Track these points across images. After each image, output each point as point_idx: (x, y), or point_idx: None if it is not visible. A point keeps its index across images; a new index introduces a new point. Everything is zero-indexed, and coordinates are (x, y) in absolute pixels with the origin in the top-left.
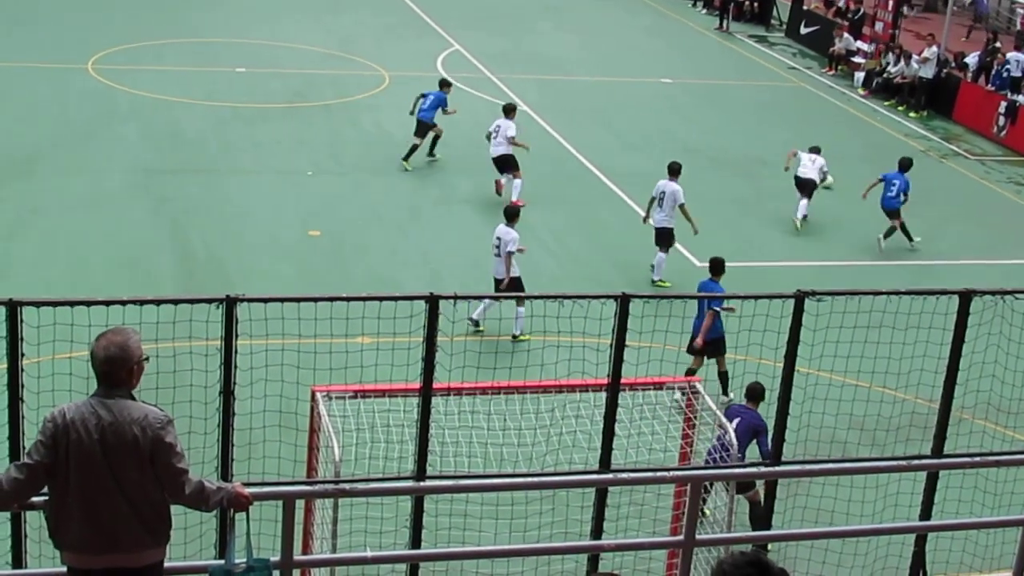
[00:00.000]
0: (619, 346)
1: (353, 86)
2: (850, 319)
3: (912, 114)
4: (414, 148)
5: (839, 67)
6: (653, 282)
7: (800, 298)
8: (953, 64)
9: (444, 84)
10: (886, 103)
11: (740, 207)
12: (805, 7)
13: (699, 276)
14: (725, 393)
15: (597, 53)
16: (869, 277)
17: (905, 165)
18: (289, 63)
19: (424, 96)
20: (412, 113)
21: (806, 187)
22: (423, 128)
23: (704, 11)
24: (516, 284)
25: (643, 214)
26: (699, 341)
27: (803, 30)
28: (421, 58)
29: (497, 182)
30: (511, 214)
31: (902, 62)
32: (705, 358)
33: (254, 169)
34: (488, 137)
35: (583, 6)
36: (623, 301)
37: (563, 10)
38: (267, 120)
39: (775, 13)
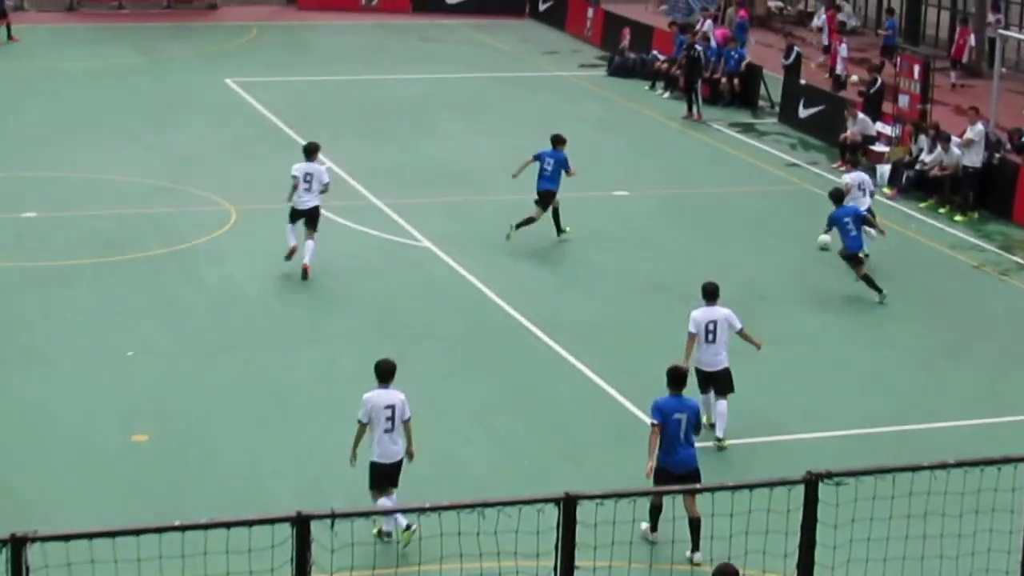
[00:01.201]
0: (566, 569)
1: (188, 228)
2: (883, 507)
3: (958, 217)
4: (530, 220)
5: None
6: (719, 443)
7: (812, 482)
8: (1008, 145)
9: (558, 141)
10: (922, 204)
11: (733, 365)
12: (803, 80)
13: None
14: (696, 548)
15: (522, 161)
16: (903, 446)
17: (839, 196)
18: (98, 201)
19: (539, 158)
20: (515, 176)
21: (866, 217)
22: (546, 199)
23: (667, 94)
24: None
25: (682, 360)
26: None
27: (803, 112)
28: (280, 183)
29: (292, 248)
30: (386, 372)
31: (939, 147)
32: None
33: (52, 352)
34: (293, 189)
35: (504, 98)
36: (567, 504)
37: (477, 106)
38: (69, 282)
39: (763, 91)
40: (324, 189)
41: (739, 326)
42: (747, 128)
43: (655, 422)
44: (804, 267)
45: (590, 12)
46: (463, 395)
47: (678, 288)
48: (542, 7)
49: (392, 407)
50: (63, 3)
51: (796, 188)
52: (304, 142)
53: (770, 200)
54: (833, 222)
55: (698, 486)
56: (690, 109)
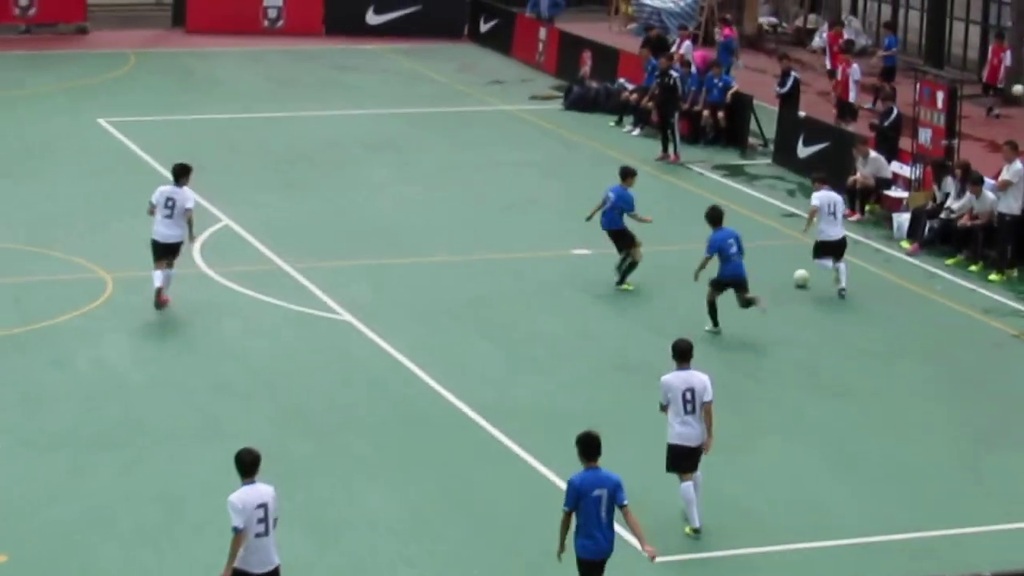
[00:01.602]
0: None
1: (54, 301)
2: None
3: (993, 276)
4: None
5: (867, 207)
6: (696, 533)
7: None
8: None
9: (625, 174)
10: (948, 261)
11: (719, 460)
12: (802, 112)
13: None
14: None
15: (463, 215)
16: (928, 556)
17: (717, 217)
18: None
19: (605, 196)
20: (588, 219)
21: (836, 250)
22: (618, 238)
23: (636, 131)
24: None
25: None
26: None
27: (802, 150)
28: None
29: (160, 294)
30: (250, 463)
31: (968, 191)
32: None
33: None
34: (151, 212)
35: (439, 139)
36: None
37: (406, 149)
38: None
39: (754, 125)
40: (188, 219)
41: (710, 397)
42: (735, 171)
43: (568, 509)
44: (806, 340)
45: (542, 33)
46: (393, 499)
47: (651, 367)
48: (484, 28)
49: (264, 506)
50: None
51: (795, 244)
52: (199, 196)
53: (764, 258)
54: (714, 246)
55: None
56: (665, 149)
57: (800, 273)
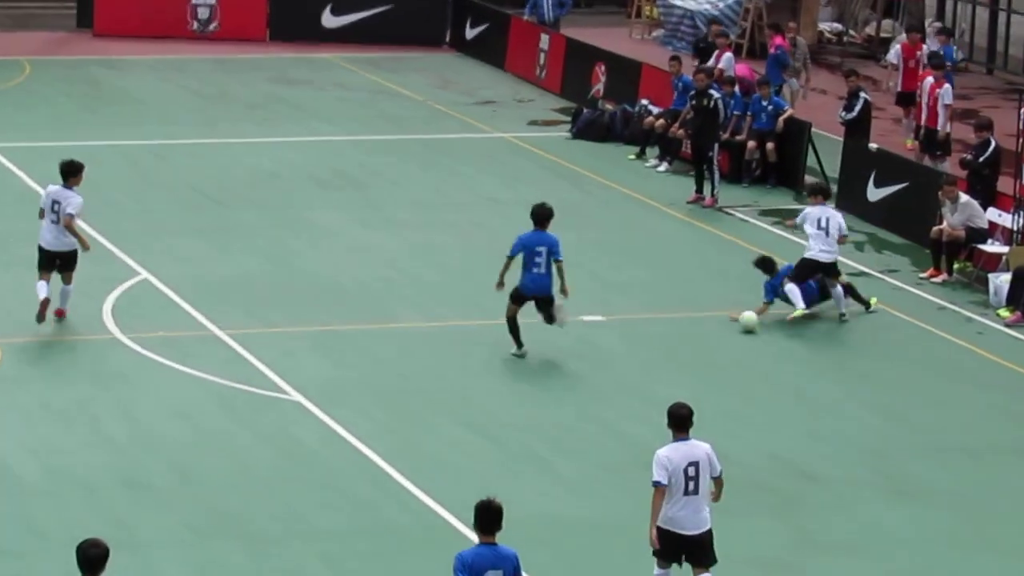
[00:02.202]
0: None
1: None
2: None
3: None
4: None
5: (955, 265)
6: None
7: None
8: None
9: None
10: None
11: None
12: (873, 144)
13: None
14: None
15: (441, 270)
16: None
17: (542, 216)
18: None
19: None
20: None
21: (820, 271)
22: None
23: (663, 166)
24: None
25: (650, 528)
26: None
27: (873, 192)
28: (70, 304)
29: (46, 306)
30: (92, 560)
31: None
32: None
33: None
34: (41, 215)
35: (413, 173)
36: None
37: (372, 185)
38: None
39: (812, 157)
40: (67, 225)
41: (719, 469)
42: (788, 217)
43: None
44: (875, 429)
45: (544, 40)
46: None
47: None
48: (470, 33)
49: None
50: None
51: (863, 310)
52: (110, 243)
53: (824, 329)
54: (518, 247)
55: None
56: (700, 189)
57: (748, 315)
